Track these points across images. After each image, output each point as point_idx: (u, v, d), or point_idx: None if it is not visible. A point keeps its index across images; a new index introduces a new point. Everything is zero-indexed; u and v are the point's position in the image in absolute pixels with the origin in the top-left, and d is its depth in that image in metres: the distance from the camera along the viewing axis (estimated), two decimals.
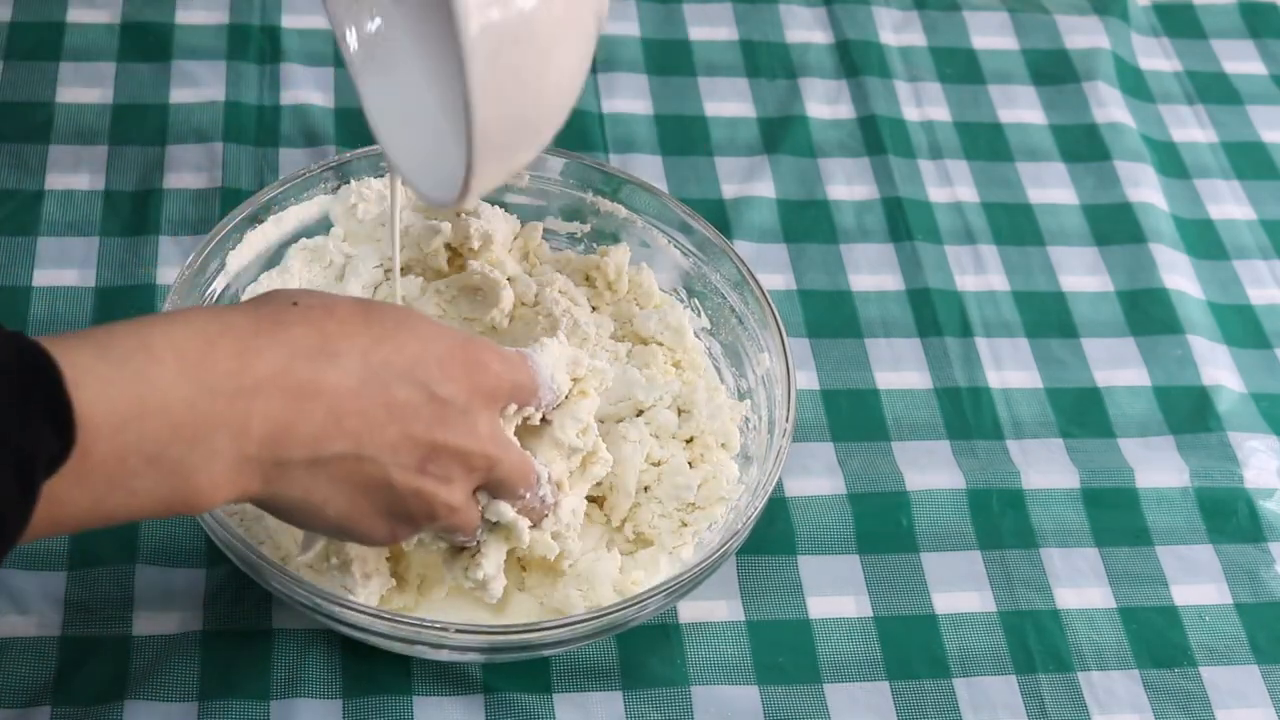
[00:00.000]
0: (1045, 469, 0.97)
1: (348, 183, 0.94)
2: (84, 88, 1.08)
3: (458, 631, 0.78)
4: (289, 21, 1.15)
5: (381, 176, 0.94)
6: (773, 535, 0.90)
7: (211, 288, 0.89)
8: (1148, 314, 1.07)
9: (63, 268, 0.99)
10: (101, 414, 0.60)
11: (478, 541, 0.78)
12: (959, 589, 0.91)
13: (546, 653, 0.84)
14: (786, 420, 0.86)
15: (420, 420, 0.70)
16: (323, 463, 0.68)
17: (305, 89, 1.11)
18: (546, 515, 0.79)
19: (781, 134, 1.14)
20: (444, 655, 0.82)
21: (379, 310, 0.71)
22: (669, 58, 1.19)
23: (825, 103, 1.17)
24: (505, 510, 0.77)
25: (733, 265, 0.93)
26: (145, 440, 0.62)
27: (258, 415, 0.65)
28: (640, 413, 0.90)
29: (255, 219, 0.91)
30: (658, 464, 0.89)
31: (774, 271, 1.04)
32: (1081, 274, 1.09)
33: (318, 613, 0.79)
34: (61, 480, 0.60)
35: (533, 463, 0.77)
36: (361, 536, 0.73)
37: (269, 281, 0.91)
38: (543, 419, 0.79)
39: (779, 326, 0.89)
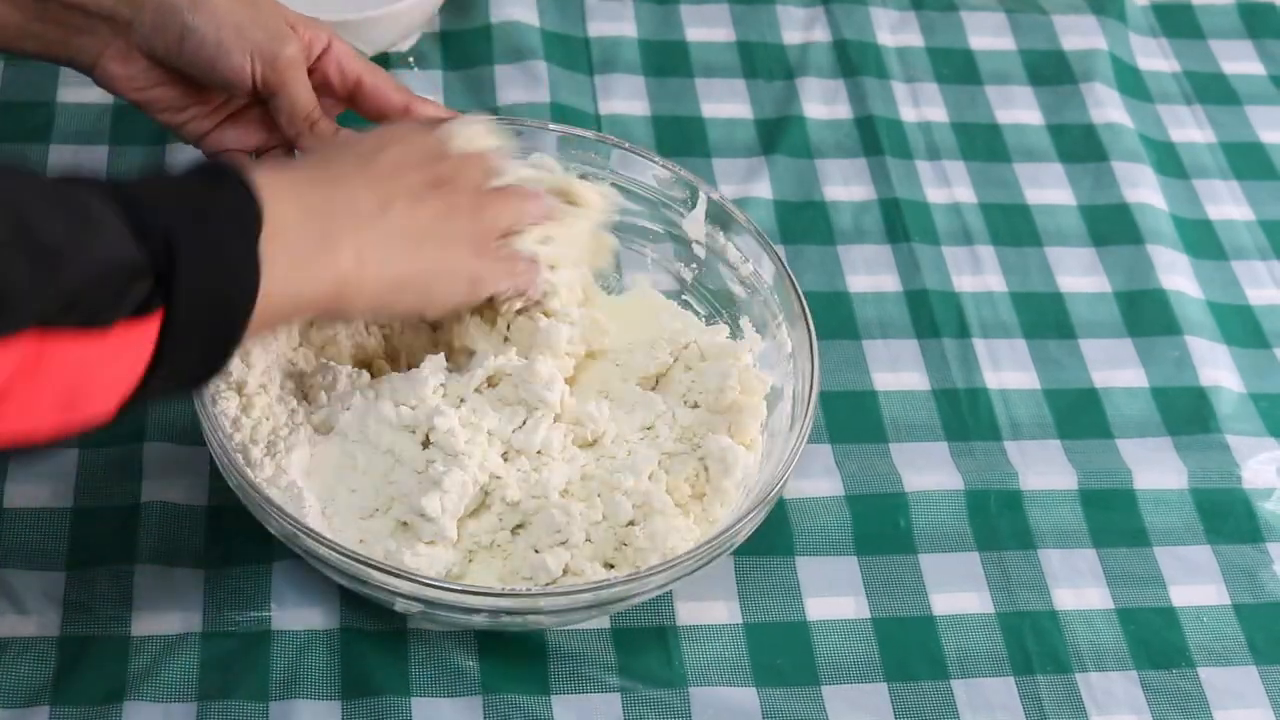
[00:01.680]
0: (1043, 470, 0.97)
1: None
2: (84, 88, 1.07)
3: (457, 591, 0.78)
4: None
5: None
6: (771, 537, 0.90)
7: None
8: (1146, 315, 1.07)
9: None
10: (267, 195, 0.71)
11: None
12: (957, 590, 0.91)
13: (545, 621, 0.84)
14: (805, 415, 0.86)
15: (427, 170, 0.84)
16: (389, 216, 0.80)
17: None
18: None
19: (779, 135, 1.14)
20: (442, 616, 0.82)
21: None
22: (666, 59, 1.19)
23: (822, 103, 1.17)
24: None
25: (770, 262, 0.93)
26: (294, 220, 0.74)
27: (351, 202, 0.78)
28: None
29: None
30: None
31: None
32: (1079, 274, 1.09)
33: (295, 533, 0.79)
34: (264, 246, 0.70)
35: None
36: (454, 272, 0.83)
37: None
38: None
39: (809, 326, 0.89)
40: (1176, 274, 1.09)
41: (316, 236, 0.75)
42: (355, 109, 0.94)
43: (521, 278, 0.86)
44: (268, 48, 0.88)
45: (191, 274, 0.66)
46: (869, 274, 1.06)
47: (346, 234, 0.77)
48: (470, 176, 0.85)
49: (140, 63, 0.89)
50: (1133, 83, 1.23)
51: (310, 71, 0.91)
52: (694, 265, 0.96)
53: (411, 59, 1.15)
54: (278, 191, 0.73)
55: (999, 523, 0.94)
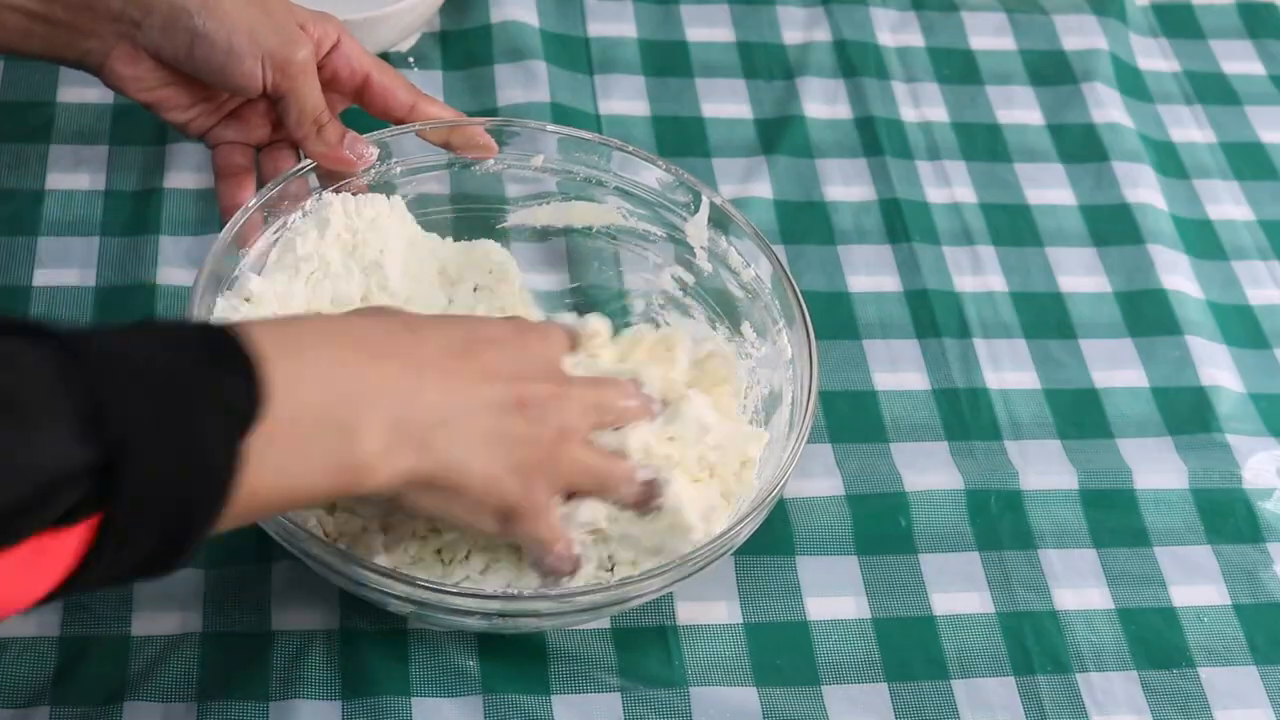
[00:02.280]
0: (1043, 470, 0.97)
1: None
2: (84, 88, 1.08)
3: (453, 594, 0.78)
4: None
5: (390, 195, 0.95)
6: (771, 536, 0.90)
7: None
8: (1146, 314, 1.07)
9: (63, 268, 0.99)
10: (278, 378, 0.63)
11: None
12: (957, 590, 0.91)
13: (543, 623, 0.84)
14: (804, 419, 0.86)
15: (511, 378, 0.76)
16: (453, 422, 0.72)
17: None
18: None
19: (779, 135, 1.14)
20: (441, 617, 0.82)
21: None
22: (666, 59, 1.19)
23: (823, 103, 1.17)
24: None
25: (769, 264, 0.93)
26: (313, 401, 0.66)
27: (392, 379, 0.70)
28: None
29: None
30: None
31: None
32: (1080, 274, 1.09)
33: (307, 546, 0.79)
34: (255, 441, 0.62)
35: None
36: (506, 502, 0.75)
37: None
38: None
39: (808, 331, 0.89)
40: (1177, 274, 1.09)
41: (337, 423, 0.67)
42: (362, 106, 0.95)
43: (554, 561, 0.79)
44: (280, 53, 0.88)
45: (145, 482, 0.58)
46: (869, 274, 1.06)
47: (381, 419, 0.69)
48: (564, 414, 0.77)
49: (147, 63, 0.89)
50: (1133, 83, 1.23)
51: (319, 67, 0.91)
52: (695, 269, 0.96)
53: (411, 59, 1.15)
54: (306, 368, 0.66)
55: (999, 523, 0.94)
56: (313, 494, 0.69)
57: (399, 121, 0.95)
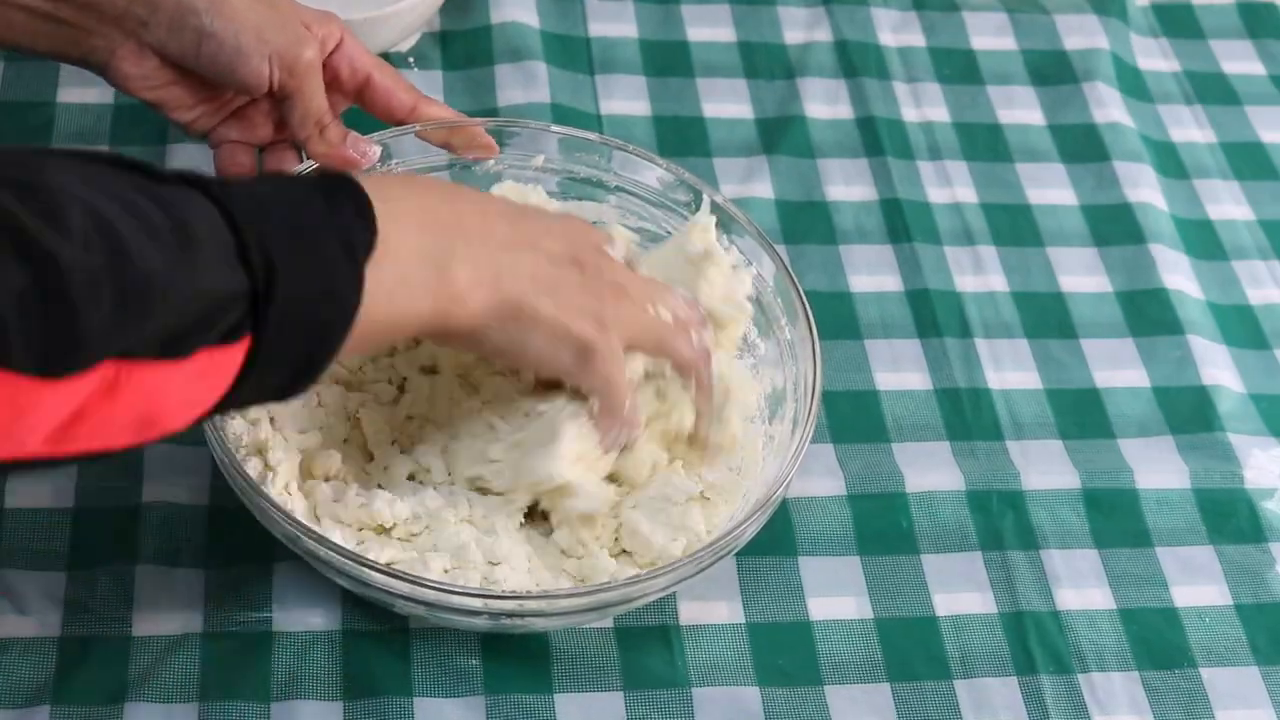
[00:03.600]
0: (1045, 470, 0.97)
1: None
2: (84, 88, 1.08)
3: (458, 593, 0.78)
4: None
5: None
6: (773, 536, 0.90)
7: None
8: (1147, 314, 1.07)
9: None
10: (384, 217, 0.70)
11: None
12: (959, 590, 0.91)
13: (547, 623, 0.84)
14: (807, 419, 0.86)
15: (565, 242, 0.82)
16: (522, 266, 0.78)
17: None
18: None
19: (780, 135, 1.14)
20: (445, 616, 0.82)
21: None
22: (667, 59, 1.19)
23: (824, 103, 1.17)
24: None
25: (771, 263, 0.93)
26: (410, 239, 0.72)
27: (468, 225, 0.77)
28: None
29: None
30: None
31: None
32: (1081, 274, 1.09)
33: (306, 541, 0.79)
34: (370, 270, 0.68)
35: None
36: (580, 337, 0.79)
37: None
38: None
39: (811, 330, 0.89)
40: (1177, 274, 1.09)
41: (430, 257, 0.73)
42: (363, 106, 0.95)
43: (631, 417, 0.83)
44: (288, 52, 0.88)
45: (289, 303, 0.65)
46: (871, 274, 1.06)
47: (464, 255, 0.75)
48: (614, 275, 0.82)
49: (153, 62, 0.89)
50: (1134, 83, 1.23)
51: (321, 67, 0.91)
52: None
53: (411, 59, 1.15)
54: (399, 209, 0.72)
55: (1001, 523, 0.94)
56: (417, 321, 0.74)
57: (400, 122, 0.95)
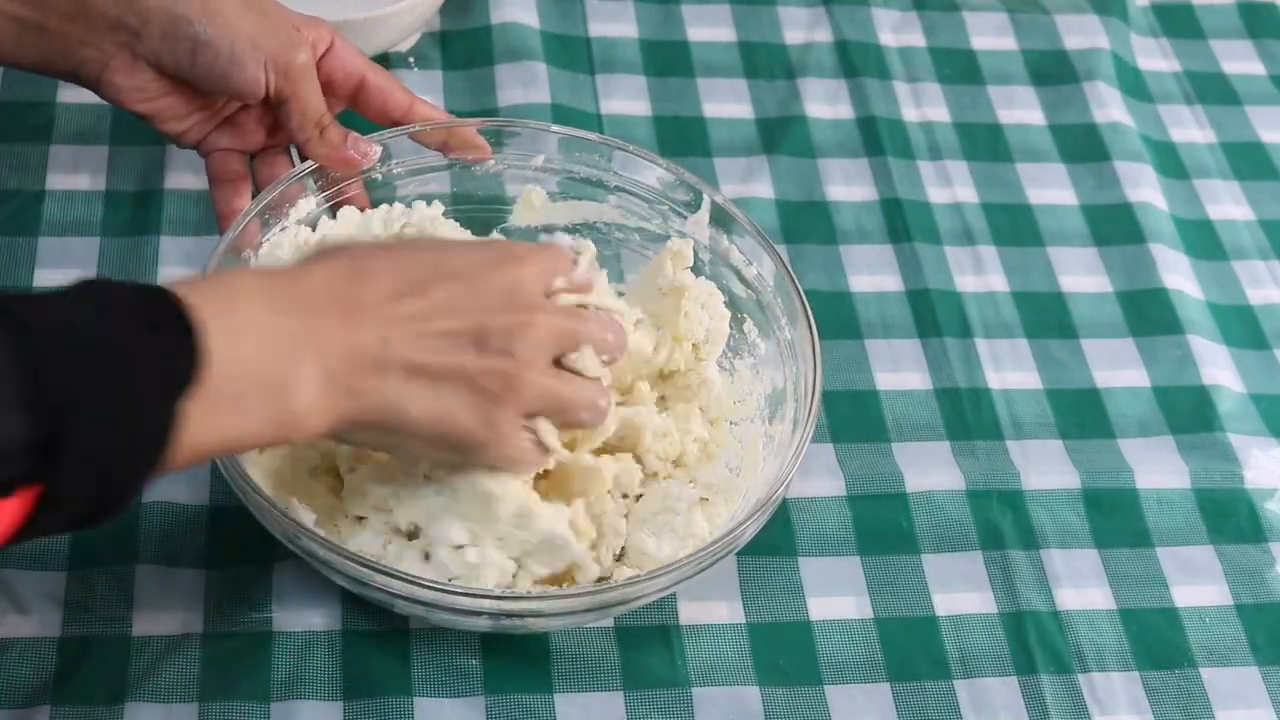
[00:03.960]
0: (1045, 470, 0.97)
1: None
2: (84, 88, 1.08)
3: (457, 594, 0.78)
4: None
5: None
6: (773, 537, 0.90)
7: None
8: (1147, 314, 1.07)
9: (63, 268, 0.99)
10: (214, 338, 0.64)
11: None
12: (959, 590, 0.91)
13: (547, 624, 0.84)
14: (807, 419, 0.86)
15: (465, 311, 0.74)
16: (387, 365, 0.72)
17: None
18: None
19: (780, 135, 1.14)
20: (444, 618, 0.82)
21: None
22: (667, 59, 1.19)
23: (824, 103, 1.17)
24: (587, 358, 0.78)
25: (771, 263, 0.93)
26: (247, 359, 0.67)
27: (324, 330, 0.70)
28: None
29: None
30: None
31: None
32: (1081, 274, 1.09)
33: (304, 542, 0.79)
34: (190, 404, 0.64)
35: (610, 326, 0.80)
36: (461, 437, 0.74)
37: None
38: None
39: (811, 330, 0.89)
40: (1177, 274, 1.09)
41: (270, 378, 0.68)
42: (357, 109, 0.95)
43: (531, 469, 0.79)
44: (282, 57, 0.88)
45: (84, 448, 0.60)
46: (871, 274, 1.06)
47: (311, 368, 0.69)
48: (530, 339, 0.75)
49: (146, 74, 0.88)
50: (1134, 83, 1.23)
51: (315, 70, 0.91)
52: (697, 267, 0.96)
53: (411, 59, 1.15)
54: (243, 325, 0.67)
55: (1001, 523, 0.94)
56: (250, 444, 0.72)
57: (396, 123, 0.95)
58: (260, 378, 0.67)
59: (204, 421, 0.64)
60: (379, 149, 0.93)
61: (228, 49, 0.87)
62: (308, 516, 0.82)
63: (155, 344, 0.63)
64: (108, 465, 0.62)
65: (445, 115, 0.97)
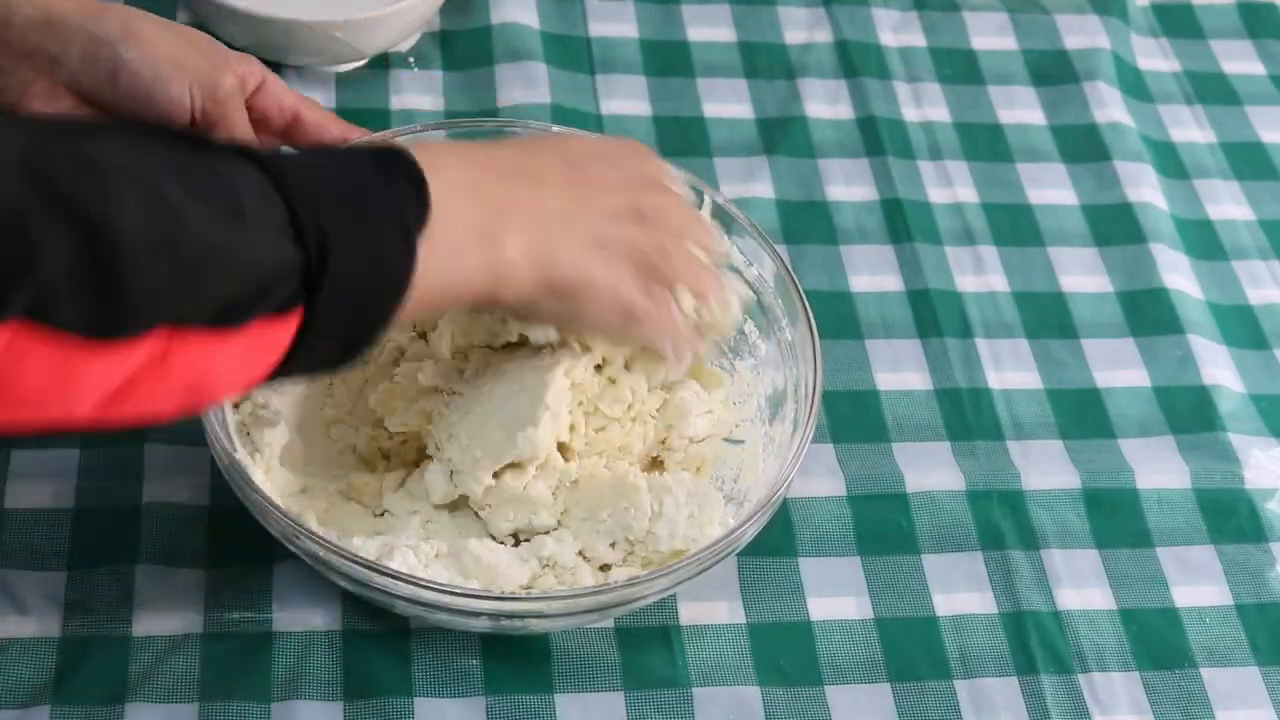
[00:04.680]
0: (1046, 470, 0.97)
1: None
2: None
3: (457, 594, 0.78)
4: None
5: None
6: (773, 537, 0.90)
7: None
8: (1148, 314, 1.07)
9: None
10: (438, 191, 0.70)
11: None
12: (960, 590, 0.91)
13: (547, 625, 0.84)
14: (808, 419, 0.86)
15: (620, 189, 0.82)
16: (572, 234, 0.78)
17: (308, 92, 1.10)
18: None
19: (780, 135, 1.14)
20: (444, 618, 0.82)
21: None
22: (667, 59, 1.19)
23: (824, 103, 1.17)
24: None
25: (772, 263, 0.93)
26: (463, 214, 0.73)
27: (517, 196, 0.77)
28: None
29: None
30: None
31: None
32: (1081, 274, 1.09)
33: (302, 541, 0.79)
34: (421, 244, 0.69)
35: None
36: (628, 305, 0.80)
37: None
38: None
39: (811, 330, 0.89)
40: (1178, 274, 1.09)
41: (482, 230, 0.74)
42: (292, 144, 0.93)
43: (680, 345, 0.83)
44: (208, 79, 0.86)
45: (341, 277, 0.66)
46: (871, 274, 1.06)
47: (516, 229, 0.75)
48: (673, 220, 0.83)
49: (67, 100, 0.86)
50: (1134, 83, 1.23)
51: (248, 108, 0.89)
52: None
53: (411, 59, 1.15)
54: (453, 182, 0.72)
55: (1002, 523, 0.94)
56: (470, 293, 0.75)
57: None
58: (475, 229, 0.73)
59: (432, 264, 0.69)
60: None
61: (150, 69, 0.85)
62: (309, 517, 0.82)
63: (390, 187, 0.69)
64: (363, 294, 0.67)
65: (382, 143, 0.95)
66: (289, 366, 0.67)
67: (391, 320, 0.69)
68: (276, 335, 0.65)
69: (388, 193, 0.69)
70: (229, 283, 0.62)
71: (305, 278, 0.65)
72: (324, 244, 0.65)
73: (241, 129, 0.88)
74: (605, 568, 0.86)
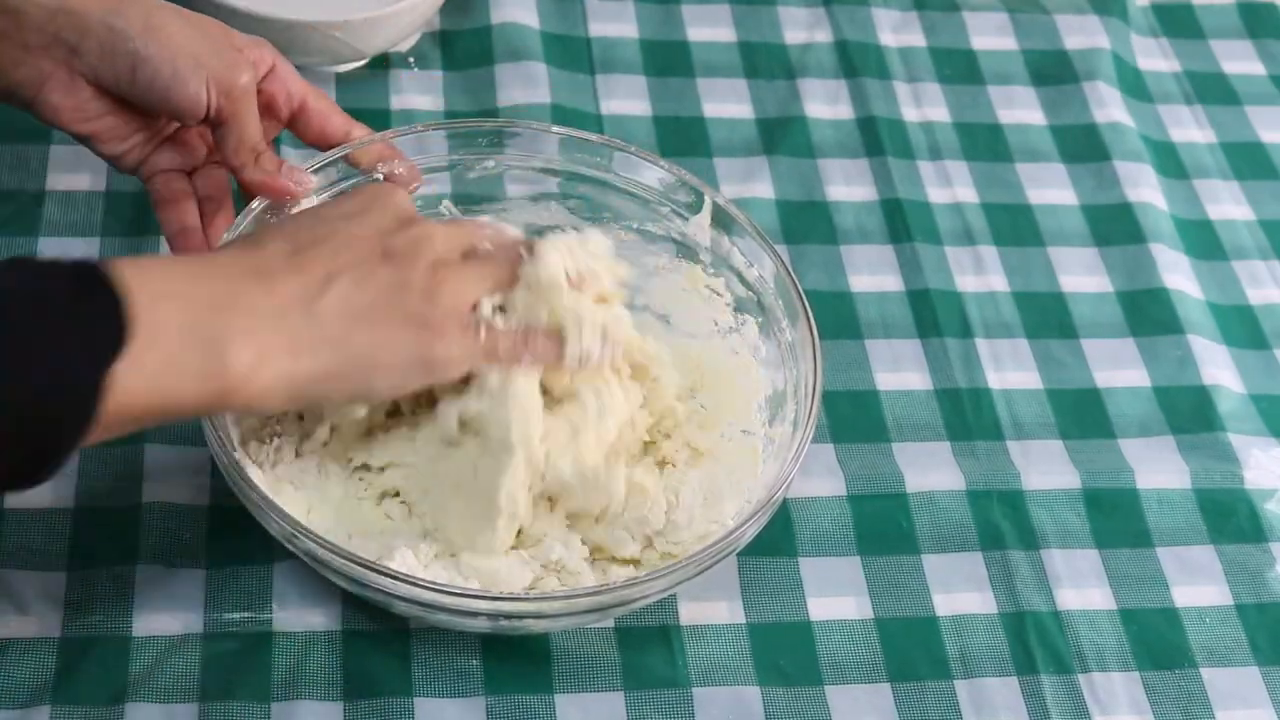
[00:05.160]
0: (1046, 470, 0.97)
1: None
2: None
3: (456, 594, 0.78)
4: None
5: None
6: (773, 537, 0.90)
7: None
8: (1147, 314, 1.07)
9: None
10: (142, 303, 0.66)
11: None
12: (960, 590, 0.91)
13: (546, 625, 0.84)
14: (808, 419, 0.86)
15: (361, 240, 0.78)
16: (316, 314, 0.74)
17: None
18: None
19: (780, 135, 1.14)
20: (443, 619, 0.82)
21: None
22: (667, 59, 1.19)
23: (824, 104, 1.17)
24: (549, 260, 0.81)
25: (772, 263, 0.93)
26: (178, 323, 0.68)
27: (245, 296, 0.72)
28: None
29: None
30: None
31: None
32: (1081, 274, 1.09)
33: (302, 541, 0.79)
34: (123, 366, 0.65)
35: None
36: (400, 360, 0.76)
37: None
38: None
39: (811, 330, 0.89)
40: (1178, 273, 1.09)
41: (201, 338, 0.69)
42: (295, 132, 0.93)
43: (510, 351, 0.80)
44: (225, 76, 0.86)
45: (9, 412, 0.63)
46: (871, 274, 1.06)
47: (243, 334, 0.71)
48: (432, 243, 0.79)
49: (86, 92, 0.86)
50: (1134, 83, 1.23)
51: (256, 92, 0.89)
52: (698, 268, 0.96)
53: (411, 59, 1.15)
54: (160, 292, 0.68)
55: (1002, 523, 0.94)
56: (189, 408, 0.71)
57: (333, 148, 0.93)
58: (194, 337, 0.69)
59: (135, 385, 0.66)
60: (314, 180, 0.91)
61: (169, 65, 0.85)
62: (315, 517, 0.82)
63: (83, 310, 0.65)
64: (36, 422, 0.64)
65: (382, 139, 0.94)
66: None
67: (76, 443, 0.65)
68: None
69: (77, 315, 0.65)
70: None
71: None
72: None
73: (252, 127, 0.88)
74: (630, 561, 0.86)
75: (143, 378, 0.66)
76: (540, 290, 0.81)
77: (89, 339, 0.65)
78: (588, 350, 0.81)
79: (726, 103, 1.16)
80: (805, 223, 1.09)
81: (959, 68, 1.22)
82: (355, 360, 0.75)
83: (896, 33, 1.23)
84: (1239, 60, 1.27)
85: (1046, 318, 1.06)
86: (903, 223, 1.09)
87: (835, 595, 0.90)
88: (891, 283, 1.06)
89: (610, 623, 0.87)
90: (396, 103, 1.12)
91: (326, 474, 0.86)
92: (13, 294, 0.65)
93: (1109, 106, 1.19)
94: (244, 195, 0.89)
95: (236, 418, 0.85)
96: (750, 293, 0.94)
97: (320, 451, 0.86)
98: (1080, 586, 0.92)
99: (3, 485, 0.67)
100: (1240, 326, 1.08)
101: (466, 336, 0.79)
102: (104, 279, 0.66)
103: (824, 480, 0.95)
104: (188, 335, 0.69)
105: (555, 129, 0.97)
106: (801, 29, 1.22)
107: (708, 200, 0.94)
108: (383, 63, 1.14)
